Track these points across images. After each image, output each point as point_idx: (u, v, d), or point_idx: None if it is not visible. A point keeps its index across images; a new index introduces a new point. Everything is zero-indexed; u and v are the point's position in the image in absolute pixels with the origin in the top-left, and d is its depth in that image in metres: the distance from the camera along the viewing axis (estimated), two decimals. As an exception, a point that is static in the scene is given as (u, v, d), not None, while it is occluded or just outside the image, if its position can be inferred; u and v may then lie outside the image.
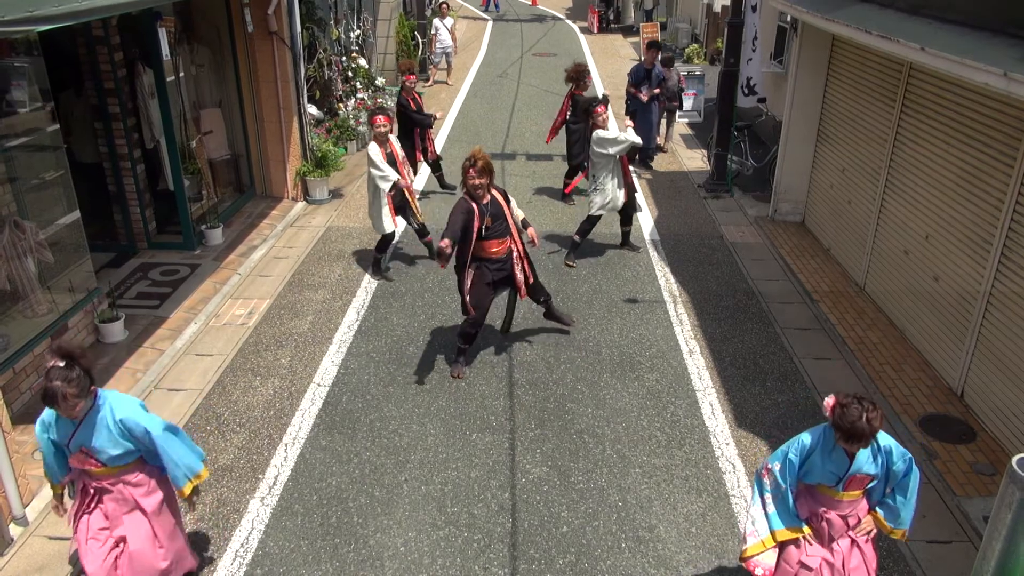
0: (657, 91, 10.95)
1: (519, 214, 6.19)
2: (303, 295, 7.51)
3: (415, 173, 9.23)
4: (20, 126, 5.85)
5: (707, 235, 9.02)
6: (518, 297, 6.44)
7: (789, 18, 10.17)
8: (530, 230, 6.15)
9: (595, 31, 22.95)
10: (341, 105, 11.75)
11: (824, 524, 3.71)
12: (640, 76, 10.95)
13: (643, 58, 11.27)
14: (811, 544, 3.71)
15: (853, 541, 3.72)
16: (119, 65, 7.31)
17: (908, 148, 6.73)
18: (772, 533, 3.71)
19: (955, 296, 5.96)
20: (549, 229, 8.90)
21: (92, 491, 3.68)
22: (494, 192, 5.94)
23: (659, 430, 5.58)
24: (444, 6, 16.51)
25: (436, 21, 16.10)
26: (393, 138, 7.62)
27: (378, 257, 7.90)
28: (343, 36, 12.64)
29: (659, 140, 11.89)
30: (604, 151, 7.69)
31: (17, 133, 5.83)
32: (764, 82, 12.73)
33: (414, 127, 9.32)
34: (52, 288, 6.07)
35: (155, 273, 7.70)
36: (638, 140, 7.74)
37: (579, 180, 9.22)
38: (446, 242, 5.49)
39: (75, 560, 3.98)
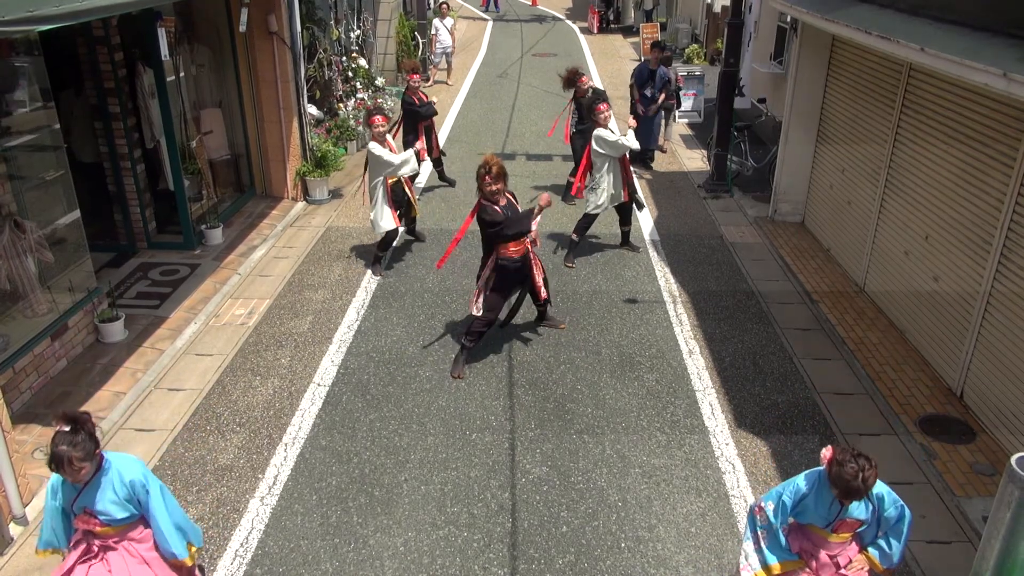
0: (661, 98, 10.96)
1: None
2: (303, 295, 7.51)
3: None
4: (21, 125, 5.86)
5: (707, 235, 9.02)
6: (534, 297, 6.55)
7: (789, 18, 10.18)
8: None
9: (595, 31, 22.94)
10: (341, 105, 11.75)
11: (814, 562, 3.75)
12: (644, 77, 10.94)
13: (643, 58, 11.28)
14: None
15: None
16: (119, 65, 7.31)
17: (908, 148, 6.73)
18: (766, 567, 3.76)
19: (955, 296, 5.96)
20: (549, 229, 8.90)
21: (96, 549, 3.65)
22: (508, 195, 6.12)
23: (659, 430, 5.58)
24: (444, 6, 16.50)
25: (436, 21, 16.10)
26: (390, 138, 7.68)
27: (380, 255, 7.92)
28: (343, 36, 12.63)
29: (660, 140, 11.89)
30: (602, 151, 7.70)
31: (18, 132, 5.83)
32: (754, 82, 12.75)
33: (419, 122, 9.39)
34: (52, 288, 6.07)
35: (155, 273, 7.70)
36: (635, 145, 7.76)
37: (579, 179, 9.20)
38: (546, 197, 6.01)
39: None
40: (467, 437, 5.48)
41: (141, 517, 3.66)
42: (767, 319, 7.12)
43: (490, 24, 24.59)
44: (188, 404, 5.83)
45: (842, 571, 3.72)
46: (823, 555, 3.71)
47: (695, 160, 11.74)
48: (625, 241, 8.54)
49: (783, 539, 3.71)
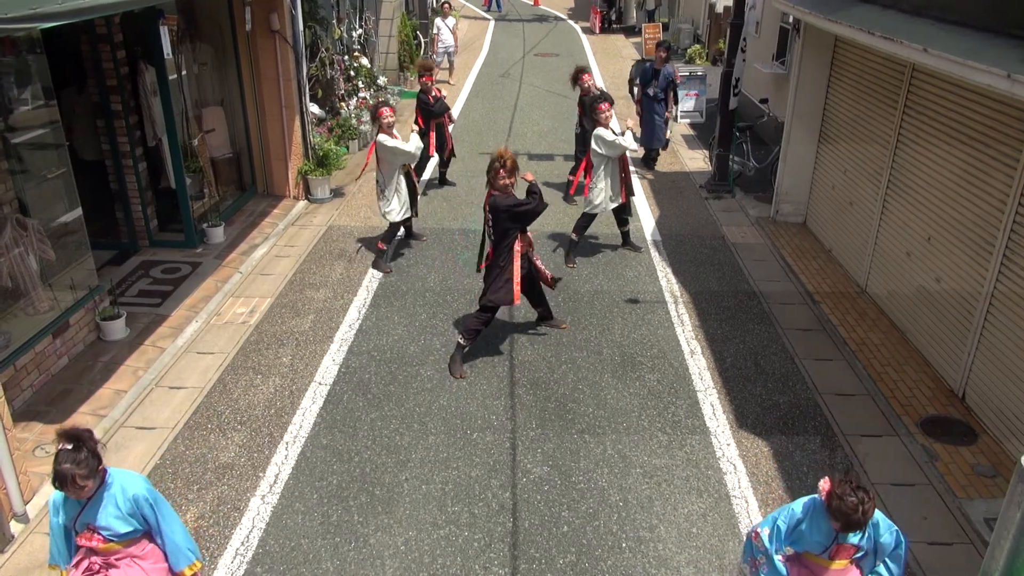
0: (670, 99, 10.97)
1: None
2: (304, 294, 7.51)
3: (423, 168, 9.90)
4: (23, 123, 5.86)
5: (708, 236, 9.01)
6: (534, 298, 6.63)
7: (791, 19, 10.17)
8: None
9: (597, 31, 22.93)
10: (343, 104, 11.75)
11: None
12: (648, 76, 10.97)
13: (642, 57, 11.29)
14: None
15: None
16: (122, 63, 7.31)
17: (910, 149, 6.72)
18: None
19: (957, 298, 5.95)
20: (550, 229, 8.90)
21: (98, 567, 3.64)
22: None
23: (660, 430, 5.58)
24: (446, 5, 16.48)
25: (438, 21, 16.09)
26: (396, 131, 7.70)
27: (383, 249, 7.93)
28: (345, 35, 12.63)
29: (666, 133, 11.85)
30: (600, 151, 7.70)
31: (20, 130, 5.83)
32: (756, 83, 12.71)
33: (432, 119, 9.47)
34: (54, 285, 6.07)
35: (156, 271, 7.70)
36: (634, 146, 7.76)
37: (579, 177, 9.19)
38: (529, 174, 6.29)
39: None
40: (468, 436, 5.48)
41: (144, 533, 3.66)
42: (769, 320, 7.12)
43: (492, 24, 24.59)
44: (189, 402, 5.83)
45: None
46: None
47: (697, 160, 11.74)
48: (626, 241, 8.54)
49: (780, 567, 3.68)
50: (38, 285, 5.89)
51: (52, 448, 4.59)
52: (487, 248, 6.21)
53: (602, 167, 7.80)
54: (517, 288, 6.10)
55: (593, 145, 7.73)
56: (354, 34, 13.19)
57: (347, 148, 11.05)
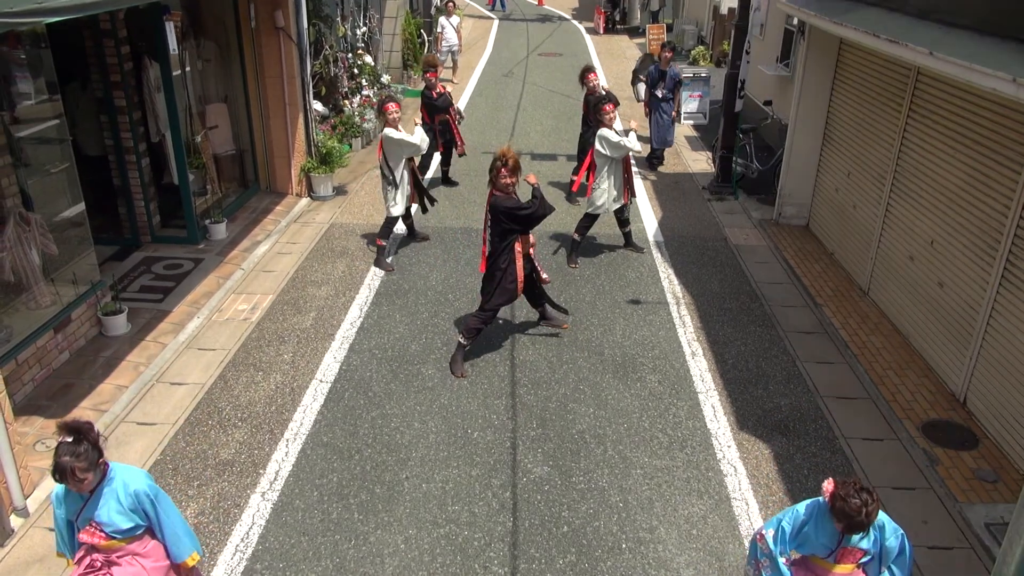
0: (676, 100, 11.04)
1: None
2: (306, 291, 7.51)
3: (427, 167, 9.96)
4: (27, 118, 5.86)
5: (711, 237, 9.01)
6: (534, 298, 6.62)
7: (796, 21, 10.15)
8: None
9: (601, 32, 22.94)
10: (346, 102, 11.75)
11: None
12: (655, 77, 11.01)
13: (642, 57, 11.34)
14: None
15: None
16: (126, 58, 7.31)
17: (914, 153, 6.71)
18: None
19: (959, 302, 5.94)
20: (552, 230, 8.89)
21: (100, 564, 3.63)
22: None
23: (661, 432, 5.57)
24: (450, 4, 16.47)
25: (442, 19, 16.08)
26: (401, 127, 7.73)
27: (382, 245, 7.93)
28: (349, 33, 12.63)
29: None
30: (604, 151, 7.69)
31: (24, 125, 5.83)
32: (750, 83, 12.69)
33: (436, 115, 9.51)
34: (56, 280, 6.07)
35: (159, 267, 7.70)
36: (637, 148, 7.75)
37: (581, 176, 9.18)
38: (532, 176, 6.18)
39: None
40: (469, 435, 5.48)
41: (146, 530, 3.65)
42: (770, 322, 7.11)
43: (496, 23, 24.59)
44: (190, 398, 5.83)
45: None
46: None
47: (700, 162, 11.73)
48: (628, 242, 8.53)
49: (784, 569, 3.67)
50: (40, 280, 5.89)
51: (53, 442, 4.60)
52: (487, 248, 6.21)
53: (605, 168, 7.80)
54: (519, 288, 6.14)
55: (597, 146, 7.73)
56: (358, 32, 13.19)
57: (350, 146, 11.05)
